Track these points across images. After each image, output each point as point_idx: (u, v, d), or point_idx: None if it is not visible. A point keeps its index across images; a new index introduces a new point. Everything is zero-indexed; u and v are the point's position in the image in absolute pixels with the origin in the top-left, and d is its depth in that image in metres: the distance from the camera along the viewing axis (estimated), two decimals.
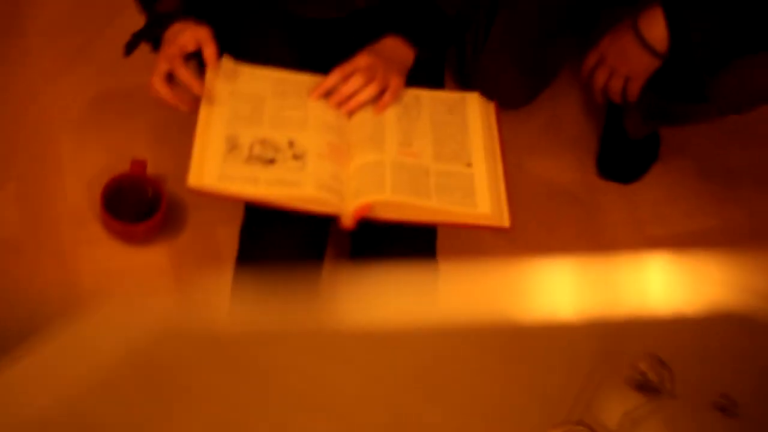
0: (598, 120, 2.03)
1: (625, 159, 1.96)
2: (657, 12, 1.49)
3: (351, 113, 1.43)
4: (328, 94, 1.43)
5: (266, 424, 1.16)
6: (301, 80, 1.45)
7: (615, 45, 1.57)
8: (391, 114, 1.44)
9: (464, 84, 1.92)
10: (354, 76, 1.41)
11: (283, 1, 1.49)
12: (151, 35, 1.40)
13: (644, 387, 1.06)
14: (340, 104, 1.42)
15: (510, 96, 1.87)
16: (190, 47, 1.36)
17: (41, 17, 1.93)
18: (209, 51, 1.37)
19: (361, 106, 1.43)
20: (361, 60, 1.42)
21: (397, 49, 1.48)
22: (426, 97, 1.50)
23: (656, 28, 1.50)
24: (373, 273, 1.46)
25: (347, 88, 1.41)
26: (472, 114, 1.48)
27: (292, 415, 1.18)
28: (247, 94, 1.42)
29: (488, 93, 1.52)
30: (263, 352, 1.19)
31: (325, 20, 1.53)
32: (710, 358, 1.37)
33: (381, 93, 1.43)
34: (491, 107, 1.50)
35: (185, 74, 1.34)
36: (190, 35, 1.36)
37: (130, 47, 1.41)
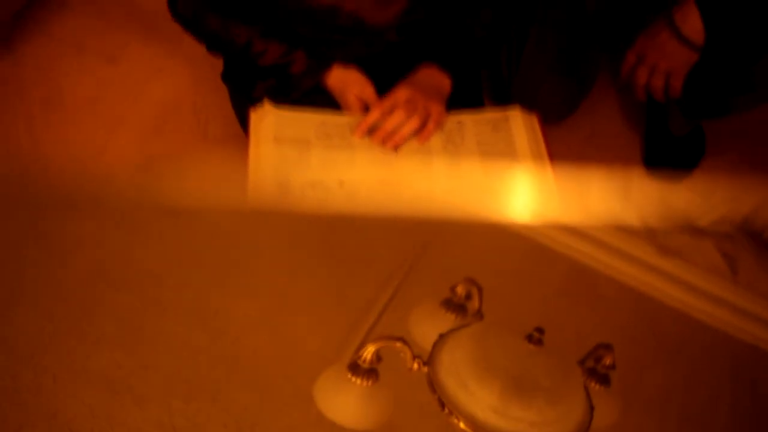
0: (640, 122, 2.04)
1: (672, 157, 1.95)
2: (690, 4, 1.54)
3: (397, 148, 1.46)
4: (371, 131, 1.46)
5: None
6: (343, 120, 1.50)
7: (652, 42, 1.61)
8: (437, 141, 1.48)
9: (503, 103, 1.91)
10: (395, 111, 1.45)
11: (319, 47, 1.54)
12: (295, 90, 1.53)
13: (457, 308, 1.14)
14: (384, 140, 1.45)
15: (550, 110, 1.87)
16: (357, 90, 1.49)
17: (79, 90, 1.98)
18: (369, 91, 1.49)
19: (406, 140, 1.47)
20: (400, 93, 1.46)
21: (434, 78, 1.52)
22: (468, 120, 1.53)
23: (691, 21, 1.54)
24: None
25: (390, 124, 1.45)
26: (516, 129, 1.52)
27: None
28: (292, 138, 1.47)
29: (528, 109, 1.57)
30: None
31: (359, 57, 1.56)
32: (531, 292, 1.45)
33: (423, 123, 1.46)
34: (534, 118, 1.54)
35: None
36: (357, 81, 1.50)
37: (255, 101, 1.52)
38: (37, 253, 1.63)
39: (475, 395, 0.96)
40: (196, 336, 1.55)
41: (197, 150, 1.60)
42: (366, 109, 1.49)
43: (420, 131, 1.46)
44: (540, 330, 1.01)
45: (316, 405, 1.06)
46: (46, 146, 1.86)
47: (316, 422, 1.32)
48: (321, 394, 1.06)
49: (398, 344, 1.01)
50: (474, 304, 1.15)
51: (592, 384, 1.08)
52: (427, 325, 1.12)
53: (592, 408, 1.01)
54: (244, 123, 1.55)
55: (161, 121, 1.85)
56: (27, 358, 1.48)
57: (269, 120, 1.46)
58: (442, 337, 1.04)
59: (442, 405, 0.97)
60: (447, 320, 1.13)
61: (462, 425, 0.96)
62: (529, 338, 1.01)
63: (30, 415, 1.42)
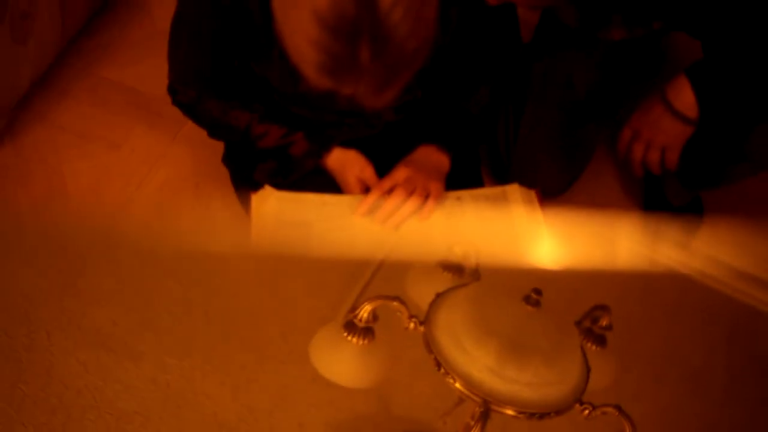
0: (638, 194, 2.03)
1: (671, 225, 1.94)
2: (682, 80, 1.55)
3: (397, 227, 1.48)
4: (371, 212, 1.48)
5: None
6: (344, 201, 1.51)
7: (647, 118, 1.62)
8: (437, 219, 1.48)
9: (502, 179, 1.93)
10: (395, 191, 1.47)
11: (319, 128, 1.56)
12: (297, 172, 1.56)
13: (454, 268, 1.14)
14: (385, 220, 1.47)
15: (548, 185, 1.88)
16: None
17: (81, 177, 1.94)
18: (369, 172, 1.51)
19: (406, 219, 1.47)
20: (399, 173, 1.48)
21: (432, 157, 1.53)
22: (467, 197, 1.55)
23: (684, 96, 1.55)
24: None
25: (390, 204, 1.46)
26: (515, 205, 1.54)
27: None
28: (293, 221, 1.48)
29: (527, 185, 1.58)
30: None
31: (358, 138, 1.58)
32: None
33: (423, 202, 1.48)
34: (533, 194, 1.56)
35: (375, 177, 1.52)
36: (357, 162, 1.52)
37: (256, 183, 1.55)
38: (32, 210, 1.62)
39: (472, 356, 0.96)
40: (192, 293, 1.55)
41: (200, 232, 1.63)
42: (366, 189, 1.50)
43: (420, 210, 1.47)
44: (537, 291, 1.01)
45: (311, 363, 1.06)
46: (49, 229, 1.86)
47: (312, 380, 1.34)
48: (316, 352, 1.06)
49: (395, 303, 1.01)
50: (471, 263, 1.15)
51: (589, 345, 1.09)
52: (424, 285, 1.12)
53: (588, 369, 1.01)
54: (245, 206, 1.56)
55: (164, 205, 1.85)
56: (21, 315, 1.49)
57: (271, 202, 1.48)
58: (438, 297, 1.04)
59: (438, 365, 0.97)
60: (444, 280, 1.13)
61: (458, 385, 0.96)
62: (527, 299, 1.01)
63: (24, 371, 1.43)
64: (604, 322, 1.09)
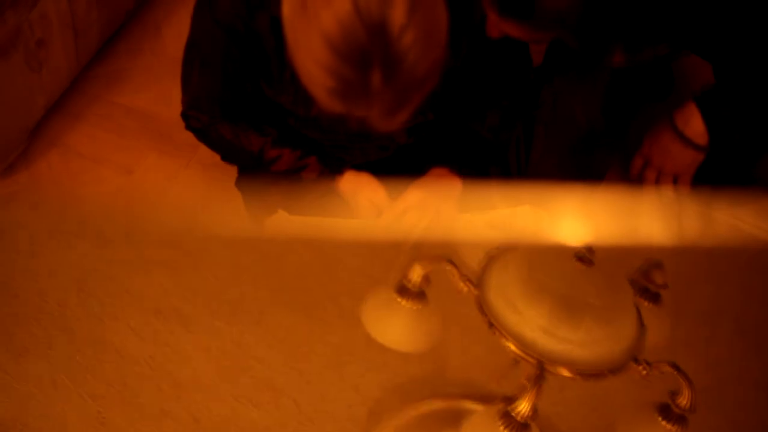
0: None
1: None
2: (692, 107, 1.55)
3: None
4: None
5: None
6: (355, 225, 1.53)
7: (657, 146, 1.63)
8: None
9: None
10: (407, 214, 1.49)
11: (331, 151, 1.58)
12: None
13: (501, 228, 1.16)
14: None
15: None
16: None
17: (95, 201, 1.97)
18: (381, 194, 1.53)
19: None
20: (412, 196, 1.50)
21: (444, 180, 1.54)
22: (479, 219, 1.55)
23: (694, 123, 1.55)
24: None
25: (403, 227, 1.48)
26: (527, 225, 1.54)
27: None
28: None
29: (537, 206, 1.59)
30: None
31: (370, 161, 1.60)
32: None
33: (436, 224, 1.48)
34: (544, 215, 1.56)
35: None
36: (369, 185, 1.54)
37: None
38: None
39: (524, 315, 0.97)
40: (240, 257, 1.56)
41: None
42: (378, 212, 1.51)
43: (432, 233, 1.48)
44: (590, 249, 1.01)
45: (363, 326, 1.07)
46: (94, 201, 1.88)
47: (366, 343, 1.34)
48: (369, 316, 1.07)
49: (447, 266, 1.02)
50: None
51: (643, 302, 1.08)
52: (475, 245, 1.12)
53: (643, 327, 1.01)
54: (259, 230, 1.59)
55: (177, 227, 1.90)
56: (72, 284, 1.51)
57: (284, 228, 1.49)
58: (490, 258, 1.04)
59: (491, 326, 0.98)
60: (494, 240, 1.13)
61: (511, 347, 0.96)
62: (579, 257, 1.00)
63: (77, 339, 1.45)
64: (659, 280, 1.08)
